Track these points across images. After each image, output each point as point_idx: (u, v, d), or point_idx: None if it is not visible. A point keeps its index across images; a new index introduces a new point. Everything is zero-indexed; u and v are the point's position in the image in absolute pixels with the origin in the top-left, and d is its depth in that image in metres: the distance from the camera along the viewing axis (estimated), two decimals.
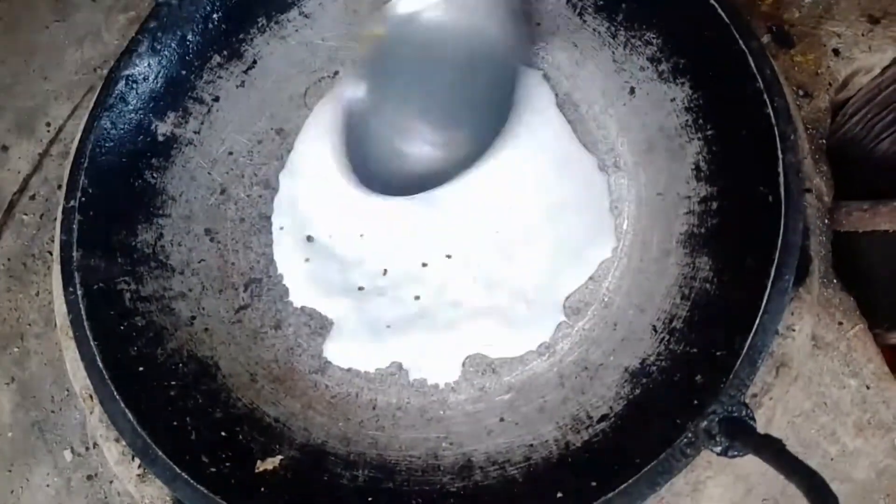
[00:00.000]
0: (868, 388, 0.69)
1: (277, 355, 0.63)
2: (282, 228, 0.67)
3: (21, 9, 0.97)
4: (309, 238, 0.66)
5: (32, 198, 0.89)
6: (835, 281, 0.70)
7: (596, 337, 0.61)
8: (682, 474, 0.53)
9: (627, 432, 0.54)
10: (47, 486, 0.76)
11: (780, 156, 0.53)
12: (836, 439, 0.68)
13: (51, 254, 0.81)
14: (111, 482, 0.75)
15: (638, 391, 0.56)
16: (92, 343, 0.56)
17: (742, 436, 0.48)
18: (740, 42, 0.56)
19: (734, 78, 0.57)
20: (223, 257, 0.66)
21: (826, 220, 0.70)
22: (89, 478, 0.76)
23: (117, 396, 0.55)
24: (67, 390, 0.79)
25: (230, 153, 0.68)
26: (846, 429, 0.68)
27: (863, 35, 0.78)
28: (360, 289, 0.64)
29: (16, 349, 0.82)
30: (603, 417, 0.56)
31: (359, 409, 0.61)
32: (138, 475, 0.57)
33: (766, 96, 0.55)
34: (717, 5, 0.58)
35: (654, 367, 0.56)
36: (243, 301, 0.65)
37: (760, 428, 0.56)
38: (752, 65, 0.56)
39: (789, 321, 0.56)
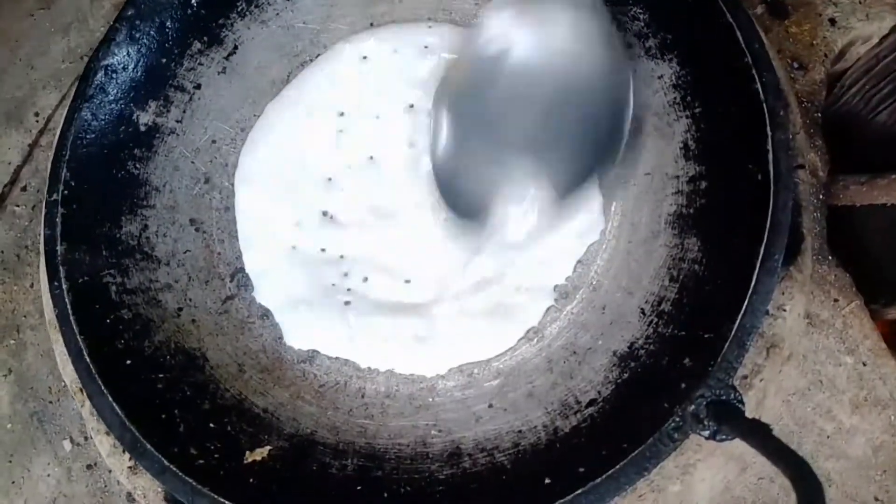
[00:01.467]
0: (864, 364, 0.68)
1: (265, 345, 0.63)
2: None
3: None
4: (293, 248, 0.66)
5: (24, 189, 0.88)
6: (830, 257, 0.69)
7: (584, 321, 0.60)
8: (672, 457, 0.52)
9: (616, 417, 0.53)
10: (48, 475, 0.77)
11: (769, 133, 0.52)
12: (832, 417, 0.67)
13: None
14: (110, 471, 0.75)
15: (626, 375, 0.55)
16: (78, 337, 0.56)
17: (730, 420, 0.47)
18: (727, 15, 0.55)
19: (722, 53, 0.55)
20: (209, 247, 0.65)
21: (821, 196, 0.68)
22: (89, 467, 0.76)
23: (105, 391, 0.55)
24: (64, 381, 0.79)
25: (213, 141, 0.67)
26: (842, 406, 0.68)
27: (860, 3, 0.76)
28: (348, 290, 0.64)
29: (12, 341, 0.82)
30: (591, 402, 0.55)
31: (347, 397, 0.60)
32: (129, 467, 0.57)
33: (754, 71, 0.53)
34: None
35: (643, 351, 0.56)
36: (230, 291, 0.64)
37: (751, 410, 0.56)
38: (740, 39, 0.54)
39: (780, 301, 0.55)
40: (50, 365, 0.80)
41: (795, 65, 0.75)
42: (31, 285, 0.84)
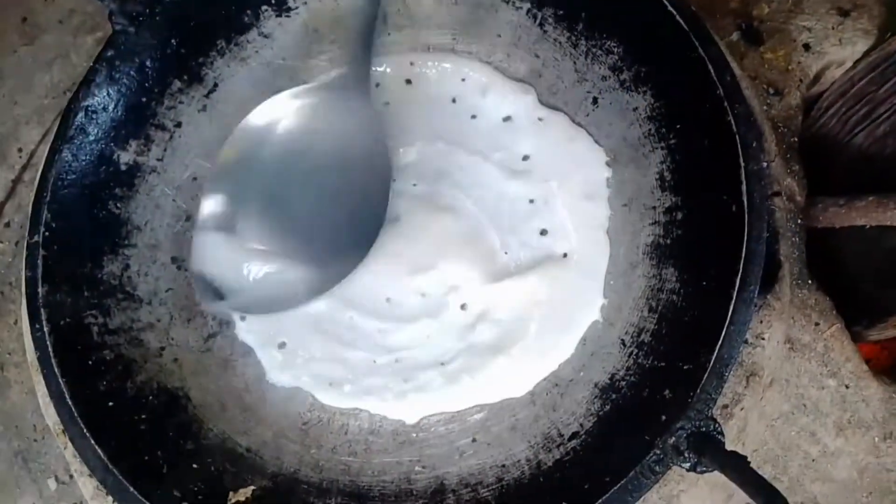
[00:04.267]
0: (847, 387, 0.68)
1: (248, 383, 0.63)
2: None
3: None
4: None
5: (7, 225, 0.88)
6: (810, 281, 0.70)
7: None
8: (656, 489, 0.52)
9: (598, 450, 0.54)
10: None
11: (742, 164, 0.53)
12: (817, 440, 0.68)
13: None
14: None
15: (608, 407, 0.55)
16: (60, 380, 0.56)
17: (709, 451, 0.47)
18: (699, 49, 0.56)
19: (695, 85, 0.56)
20: (191, 285, 0.65)
21: (799, 221, 0.69)
22: None
23: (87, 433, 0.54)
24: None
25: (194, 179, 0.68)
26: (826, 429, 0.68)
27: (833, 28, 0.77)
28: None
29: None
30: (574, 435, 0.55)
31: (331, 434, 0.60)
32: None
33: (726, 103, 0.54)
34: (675, 12, 0.57)
35: (624, 383, 0.56)
36: (212, 329, 0.64)
37: (733, 438, 0.56)
38: (712, 71, 0.55)
39: (758, 329, 0.56)
40: (34, 403, 0.79)
41: (771, 90, 0.76)
42: (15, 322, 0.84)
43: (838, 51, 0.77)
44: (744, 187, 0.52)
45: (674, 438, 0.48)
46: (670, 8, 0.57)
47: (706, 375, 0.49)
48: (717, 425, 0.49)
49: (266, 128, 0.63)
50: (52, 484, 0.79)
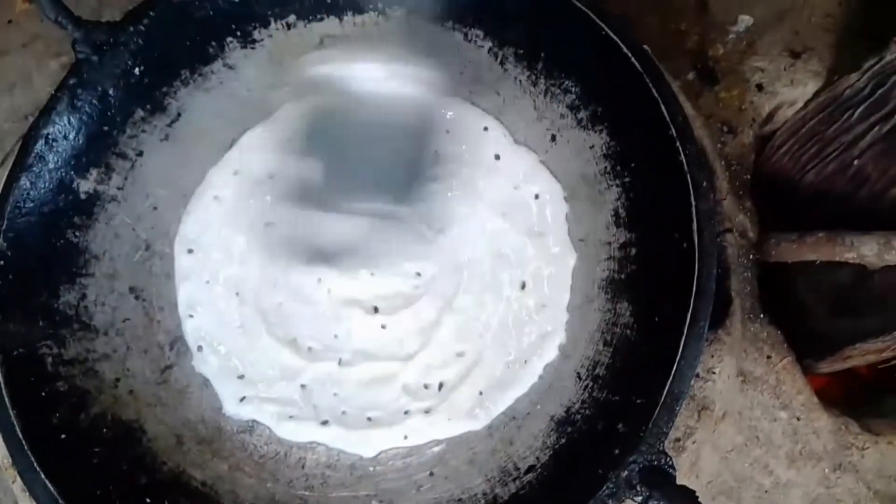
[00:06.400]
0: (798, 419, 0.70)
1: (204, 415, 0.62)
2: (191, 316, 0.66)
3: None
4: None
5: None
6: (762, 315, 0.72)
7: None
8: None
9: (553, 484, 0.54)
10: None
11: (693, 203, 0.54)
12: (770, 472, 0.69)
13: None
14: None
15: (563, 440, 0.56)
16: (10, 412, 0.55)
17: (661, 485, 0.48)
18: (652, 90, 0.57)
19: (648, 125, 0.57)
20: (148, 315, 0.65)
21: (751, 256, 0.71)
22: None
23: (37, 468, 0.53)
24: None
25: (155, 208, 0.67)
26: (778, 461, 0.69)
27: (785, 69, 0.80)
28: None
29: None
30: (530, 469, 0.56)
31: (287, 468, 0.60)
32: None
33: (678, 143, 0.56)
34: (629, 53, 0.59)
35: (579, 416, 0.57)
36: (169, 360, 0.64)
37: (686, 470, 0.57)
38: (664, 112, 0.57)
39: (709, 364, 0.57)
40: None
41: (725, 129, 0.78)
42: None
43: (790, 91, 0.79)
44: (695, 226, 0.53)
45: (626, 472, 0.49)
46: (625, 49, 0.59)
47: (658, 409, 0.50)
48: (668, 459, 0.50)
49: None
50: None
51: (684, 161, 0.55)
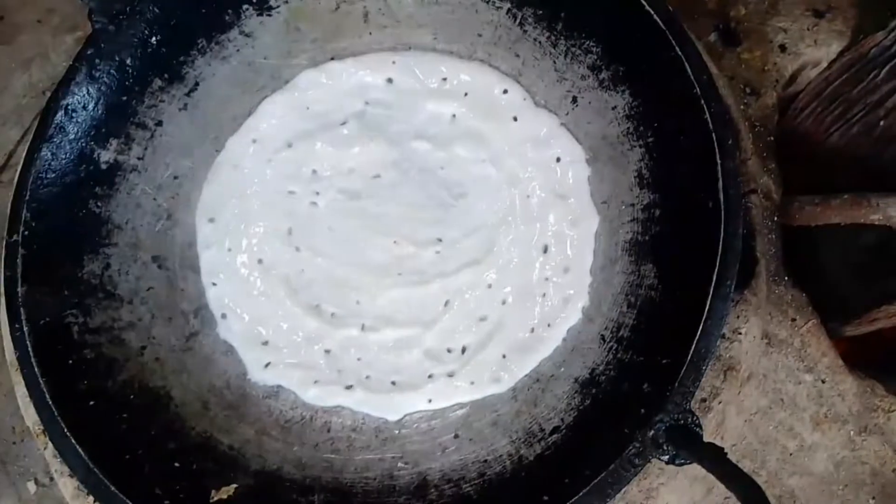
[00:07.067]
0: (823, 382, 0.70)
1: (230, 381, 0.62)
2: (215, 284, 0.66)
3: None
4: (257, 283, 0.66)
5: None
6: (787, 278, 0.71)
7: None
8: (635, 482, 0.53)
9: (578, 444, 0.54)
10: None
11: (718, 162, 0.53)
12: (794, 434, 0.69)
13: None
14: None
15: (588, 401, 0.56)
16: (40, 380, 0.56)
17: (687, 444, 0.48)
18: (676, 48, 0.56)
19: (671, 84, 0.57)
20: (171, 284, 0.65)
21: (775, 218, 0.70)
22: None
23: (68, 433, 0.54)
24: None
25: (175, 177, 0.67)
26: (803, 423, 0.69)
27: (808, 30, 0.79)
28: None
29: None
30: (555, 430, 0.56)
31: (313, 432, 0.60)
32: None
33: (702, 102, 0.55)
34: (652, 12, 0.58)
35: (603, 377, 0.56)
36: (193, 328, 0.64)
37: (712, 431, 0.57)
38: (689, 71, 0.56)
39: (735, 324, 0.57)
40: (13, 405, 0.78)
41: (748, 90, 0.77)
42: None
43: (813, 52, 0.78)
44: (720, 184, 0.53)
45: (653, 431, 0.49)
46: (648, 8, 0.58)
47: (684, 369, 0.50)
48: (695, 418, 0.49)
49: None
50: (31, 487, 0.78)
51: (709, 119, 0.54)
